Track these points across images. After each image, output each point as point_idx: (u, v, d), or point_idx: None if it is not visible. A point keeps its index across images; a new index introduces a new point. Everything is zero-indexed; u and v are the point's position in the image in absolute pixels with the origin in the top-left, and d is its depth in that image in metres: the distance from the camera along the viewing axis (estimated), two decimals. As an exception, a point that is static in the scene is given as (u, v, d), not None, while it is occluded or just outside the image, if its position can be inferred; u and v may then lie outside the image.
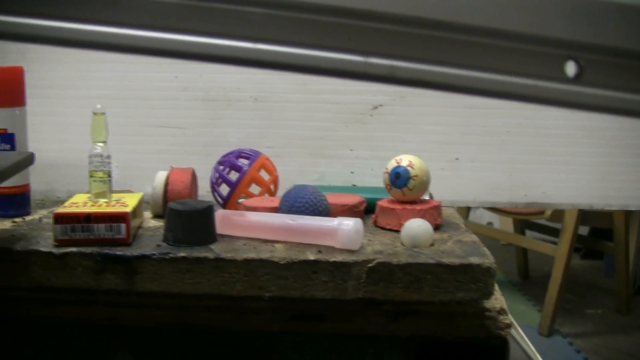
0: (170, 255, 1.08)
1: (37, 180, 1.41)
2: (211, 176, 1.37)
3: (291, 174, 1.51)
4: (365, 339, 1.12)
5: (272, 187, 1.36)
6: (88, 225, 1.11)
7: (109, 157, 1.21)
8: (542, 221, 3.42)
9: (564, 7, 0.74)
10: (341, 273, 1.06)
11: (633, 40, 0.75)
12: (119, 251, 1.09)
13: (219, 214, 1.19)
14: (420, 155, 1.30)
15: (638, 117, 0.81)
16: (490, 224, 4.42)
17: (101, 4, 0.86)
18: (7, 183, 1.27)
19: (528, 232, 3.80)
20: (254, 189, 1.35)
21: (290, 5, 0.73)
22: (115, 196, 1.23)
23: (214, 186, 1.36)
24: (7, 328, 1.15)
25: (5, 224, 1.26)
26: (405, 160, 1.26)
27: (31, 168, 1.28)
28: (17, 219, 1.30)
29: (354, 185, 1.54)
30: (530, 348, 1.54)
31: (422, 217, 1.21)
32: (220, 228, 1.18)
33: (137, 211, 1.20)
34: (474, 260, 1.07)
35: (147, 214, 1.34)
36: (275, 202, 1.25)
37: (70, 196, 1.26)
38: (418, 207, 1.25)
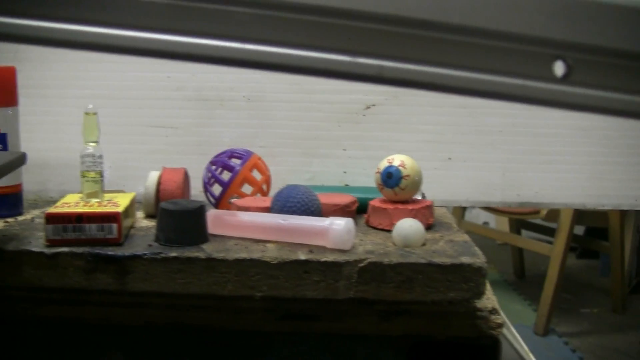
0: (162, 255, 1.08)
1: (30, 180, 1.41)
2: (204, 176, 1.37)
3: (284, 174, 1.51)
4: (357, 338, 1.13)
5: (264, 187, 1.36)
6: (80, 225, 1.11)
7: (100, 157, 1.21)
8: (538, 221, 3.42)
9: (551, 6, 0.74)
10: (332, 273, 1.06)
11: (622, 40, 0.75)
12: (110, 251, 1.09)
13: (211, 213, 1.19)
14: (413, 155, 1.30)
15: (630, 117, 0.81)
16: (486, 223, 4.42)
17: (94, 5, 0.86)
18: (-1, 183, 1.27)
19: (524, 232, 3.80)
20: (247, 188, 1.35)
21: (280, 5, 0.73)
22: (107, 196, 1.23)
23: (207, 186, 1.36)
24: (-2, 328, 1.15)
25: (-2, 224, 1.26)
26: (397, 160, 1.26)
27: (24, 168, 1.28)
28: (9, 219, 1.29)
29: (347, 185, 1.54)
30: (524, 348, 1.54)
31: (414, 216, 1.21)
32: (212, 228, 1.18)
33: (129, 211, 1.20)
34: (465, 260, 1.07)
35: (140, 214, 1.34)
36: (267, 202, 1.25)
37: (63, 196, 1.26)
38: (410, 206, 1.25)
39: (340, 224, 1.10)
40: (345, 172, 1.55)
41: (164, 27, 0.81)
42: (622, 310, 3.35)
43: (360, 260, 1.06)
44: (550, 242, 3.18)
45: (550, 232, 3.33)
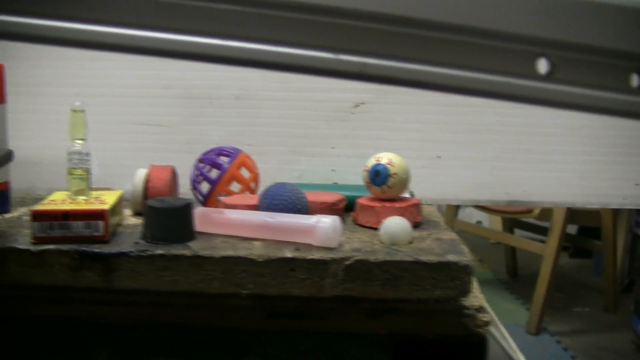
0: (148, 252, 1.08)
1: (18, 178, 1.40)
2: (192, 174, 1.37)
3: (272, 172, 1.51)
4: (344, 336, 1.12)
5: (252, 184, 1.36)
6: (66, 223, 1.11)
7: (88, 154, 1.20)
8: (531, 220, 3.42)
9: (535, 3, 0.74)
10: (318, 270, 1.06)
11: (605, 38, 0.75)
12: (96, 248, 1.08)
13: (198, 211, 1.19)
14: (402, 153, 1.30)
15: (613, 115, 0.81)
16: (479, 222, 4.42)
17: (83, 2, 0.86)
18: (-14, 180, 1.27)
19: (517, 231, 3.80)
20: (235, 186, 1.35)
21: (263, 3, 0.73)
22: (94, 194, 1.23)
23: (195, 184, 1.36)
24: (-16, 326, 1.15)
25: (-15, 222, 1.25)
26: (384, 158, 1.26)
27: (12, 166, 1.27)
28: (-4, 217, 1.30)
29: (335, 183, 1.54)
30: (512, 346, 1.54)
31: (402, 214, 1.21)
32: (199, 226, 1.18)
33: (116, 209, 1.20)
34: (451, 258, 1.07)
35: (128, 212, 1.34)
36: (254, 199, 1.25)
37: (51, 194, 1.26)
38: (397, 204, 1.25)
39: (326, 222, 1.10)
40: (333, 170, 1.55)
41: (152, 25, 0.81)
42: (614, 309, 3.35)
43: (347, 258, 1.06)
44: (543, 242, 3.18)
45: (543, 231, 3.33)
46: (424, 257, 1.06)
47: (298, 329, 1.13)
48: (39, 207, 1.12)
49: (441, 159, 1.54)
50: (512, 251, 3.87)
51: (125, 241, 1.13)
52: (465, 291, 1.07)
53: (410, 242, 1.15)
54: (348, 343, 1.13)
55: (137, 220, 1.28)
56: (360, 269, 1.06)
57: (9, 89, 1.33)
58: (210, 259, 1.07)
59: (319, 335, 1.13)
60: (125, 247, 1.09)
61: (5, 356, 1.15)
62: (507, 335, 1.61)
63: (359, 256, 1.06)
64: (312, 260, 1.06)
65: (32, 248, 1.08)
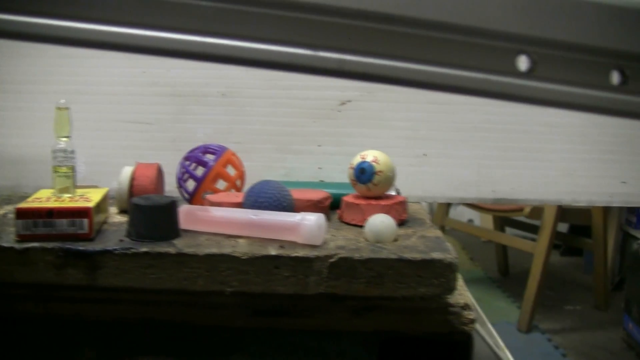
0: (132, 250, 1.07)
1: (4, 176, 1.40)
2: (177, 172, 1.37)
3: (259, 170, 1.51)
4: (329, 334, 1.13)
5: (238, 182, 1.36)
6: (50, 221, 1.10)
7: (72, 152, 1.20)
8: (522, 218, 3.43)
9: (515, 1, 0.74)
10: (302, 268, 1.06)
11: (585, 35, 0.76)
12: (80, 246, 1.08)
13: (183, 209, 1.19)
14: (388, 151, 1.30)
15: (592, 112, 0.81)
16: (470, 221, 4.43)
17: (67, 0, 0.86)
18: (-29, 178, 1.27)
19: (508, 229, 3.81)
20: (221, 184, 1.35)
21: (245, 0, 0.73)
22: (79, 191, 1.23)
23: (180, 182, 1.36)
24: (-32, 324, 1.14)
25: (-31, 220, 1.25)
26: (370, 155, 1.26)
27: (-3, 163, 1.27)
28: (-19, 215, 1.29)
29: (322, 181, 1.54)
30: (500, 344, 1.54)
31: (387, 212, 1.21)
32: (184, 223, 1.18)
33: (101, 206, 1.20)
34: (436, 255, 1.07)
35: (114, 210, 1.34)
36: (240, 197, 1.25)
37: (37, 191, 1.25)
38: (383, 202, 1.25)
39: (311, 220, 1.10)
40: (320, 168, 1.55)
41: (138, 22, 0.81)
42: (605, 307, 3.36)
43: (331, 256, 1.06)
44: (534, 240, 3.19)
45: (534, 229, 3.34)
46: (408, 255, 1.06)
47: (284, 327, 1.13)
48: (23, 205, 1.12)
49: (427, 156, 1.54)
50: (503, 249, 3.88)
51: (110, 239, 1.13)
52: (450, 289, 1.07)
53: (395, 240, 1.15)
54: (333, 341, 1.13)
55: (122, 218, 1.27)
56: (345, 267, 1.06)
57: (-5, 86, 1.33)
58: (194, 257, 1.07)
59: (304, 333, 1.13)
60: (110, 245, 1.09)
61: (-10, 354, 1.15)
62: (494, 333, 1.61)
63: (343, 254, 1.06)
64: (297, 258, 1.06)
65: (16, 246, 1.08)
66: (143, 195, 1.23)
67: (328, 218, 1.29)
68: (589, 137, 1.52)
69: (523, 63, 0.76)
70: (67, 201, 1.15)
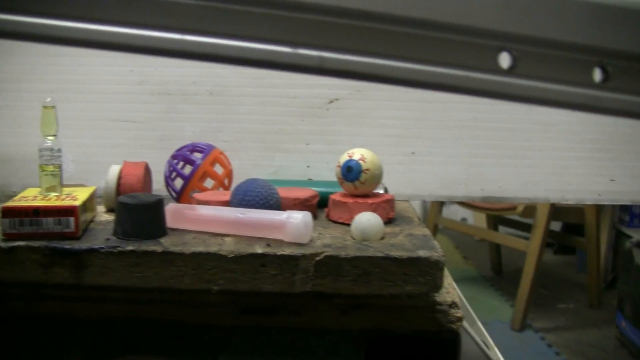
0: (119, 248, 1.07)
1: (-8, 174, 1.40)
2: (165, 170, 1.37)
3: (247, 168, 1.51)
4: (317, 332, 1.13)
5: (226, 181, 1.36)
6: (37, 219, 1.10)
7: (59, 150, 1.20)
8: (515, 217, 3.43)
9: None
10: (289, 266, 1.06)
11: (567, 32, 0.76)
12: (67, 245, 1.08)
13: (170, 207, 1.19)
14: (377, 149, 1.30)
15: (575, 110, 0.81)
16: (464, 219, 4.44)
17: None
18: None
19: (501, 228, 3.81)
20: (209, 183, 1.34)
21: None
22: (66, 190, 1.23)
23: (168, 180, 1.36)
24: (-45, 323, 1.14)
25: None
26: (357, 153, 1.26)
27: (-16, 162, 1.27)
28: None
29: (310, 179, 1.54)
30: (490, 343, 1.54)
31: (374, 210, 1.21)
32: (171, 222, 1.18)
33: (88, 205, 1.20)
34: (422, 253, 1.07)
35: (101, 208, 1.34)
36: (227, 195, 1.25)
37: (24, 190, 1.25)
38: (370, 200, 1.25)
39: (297, 218, 1.10)
40: (308, 167, 1.55)
41: (126, 20, 0.81)
42: (598, 306, 3.37)
43: (317, 254, 1.06)
44: (527, 238, 3.19)
45: (527, 228, 3.34)
46: (394, 253, 1.06)
47: (271, 325, 1.13)
48: (9, 203, 1.12)
49: (416, 155, 1.54)
50: (496, 248, 3.88)
51: (97, 237, 1.13)
52: (437, 287, 1.07)
53: (382, 238, 1.15)
54: (321, 339, 1.13)
55: (110, 217, 1.27)
56: (331, 265, 1.06)
57: (-18, 85, 1.33)
58: (180, 255, 1.07)
59: (292, 332, 1.13)
60: (96, 244, 1.09)
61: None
62: (484, 331, 1.61)
63: (329, 252, 1.06)
64: (283, 256, 1.06)
65: (2, 245, 1.08)
66: (129, 194, 1.23)
67: (315, 216, 1.29)
68: (578, 136, 1.52)
69: (505, 60, 0.75)
70: (53, 200, 1.15)
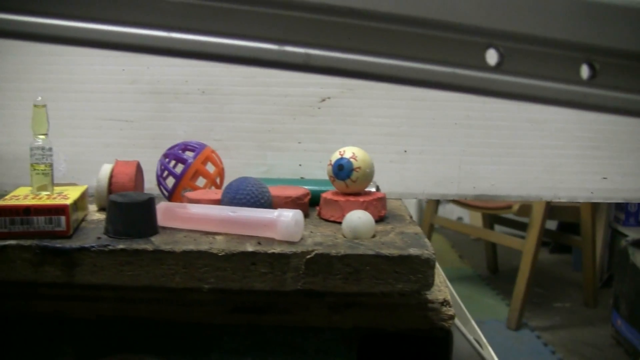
0: (110, 247, 1.07)
1: (-16, 174, 1.40)
2: (157, 169, 1.37)
3: (239, 167, 1.51)
4: (308, 330, 1.13)
5: (217, 179, 1.36)
6: (27, 218, 1.10)
7: (50, 149, 1.20)
8: (511, 216, 3.44)
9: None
10: (280, 264, 1.06)
11: (554, 29, 0.76)
12: (58, 243, 1.08)
13: (161, 206, 1.18)
14: (369, 147, 1.30)
15: (565, 107, 0.81)
16: (460, 218, 4.44)
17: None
18: (-51, 176, 1.26)
19: (497, 227, 3.82)
20: (201, 181, 1.35)
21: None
22: (58, 189, 1.23)
23: (160, 179, 1.36)
24: (-54, 322, 1.14)
25: (-52, 218, 1.25)
26: (348, 152, 1.26)
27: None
28: (-40, 213, 1.28)
29: (302, 178, 1.54)
30: (483, 341, 1.55)
31: (365, 209, 1.21)
32: (163, 220, 1.18)
33: (79, 204, 1.20)
34: (413, 251, 1.06)
35: (93, 207, 1.33)
36: (219, 194, 1.25)
37: (16, 189, 1.25)
38: (361, 198, 1.25)
39: (288, 216, 1.10)
40: (300, 165, 1.55)
41: (117, 19, 0.81)
42: (594, 304, 3.38)
43: (308, 252, 1.06)
44: (523, 237, 3.20)
45: (523, 227, 3.35)
46: (385, 251, 1.06)
47: (263, 324, 1.13)
48: (0, 202, 1.12)
49: (408, 153, 1.54)
50: (492, 247, 3.89)
51: (88, 236, 1.13)
52: (428, 285, 1.07)
53: (373, 236, 1.15)
54: (313, 337, 1.13)
55: (101, 216, 1.27)
56: (322, 263, 1.06)
57: (-27, 84, 1.32)
58: (171, 254, 1.07)
59: (284, 330, 1.13)
60: (87, 242, 1.08)
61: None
62: (478, 330, 1.61)
63: (320, 250, 1.06)
64: (273, 254, 1.06)
65: (-7, 243, 1.08)
66: (120, 192, 1.23)
67: (307, 215, 1.29)
68: (570, 134, 1.52)
69: (492, 57, 0.76)
70: (44, 199, 1.15)
